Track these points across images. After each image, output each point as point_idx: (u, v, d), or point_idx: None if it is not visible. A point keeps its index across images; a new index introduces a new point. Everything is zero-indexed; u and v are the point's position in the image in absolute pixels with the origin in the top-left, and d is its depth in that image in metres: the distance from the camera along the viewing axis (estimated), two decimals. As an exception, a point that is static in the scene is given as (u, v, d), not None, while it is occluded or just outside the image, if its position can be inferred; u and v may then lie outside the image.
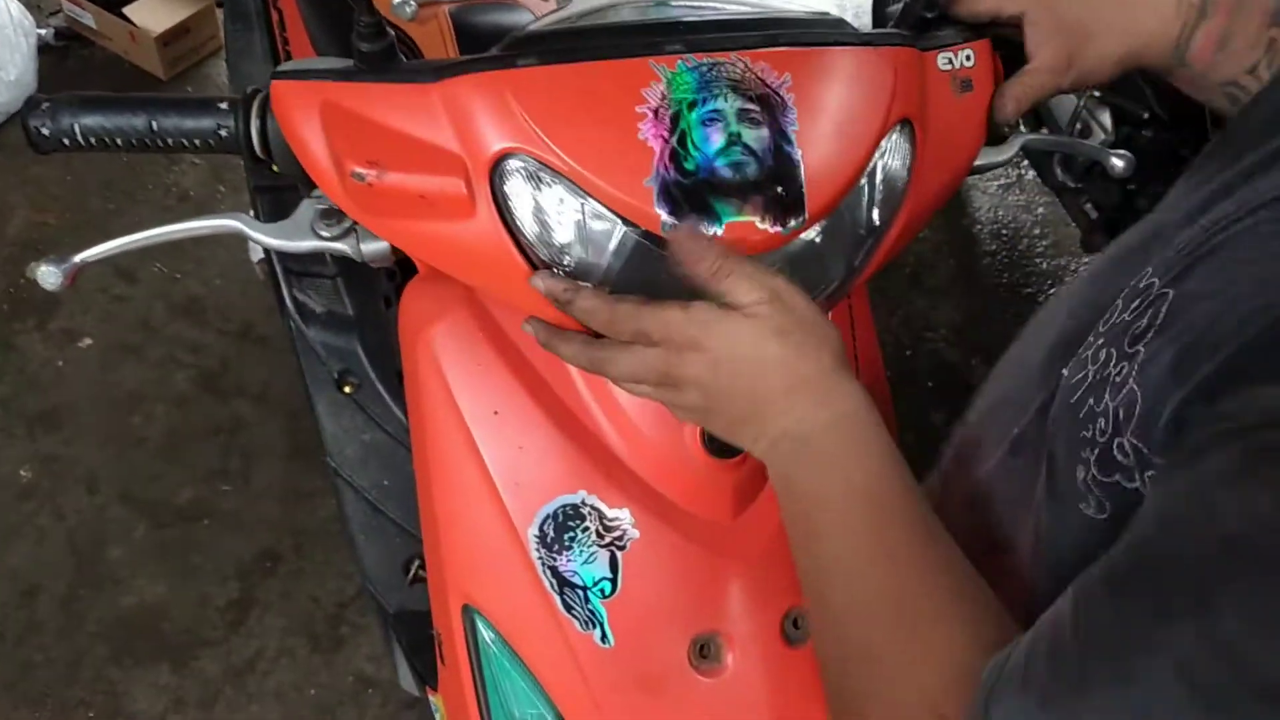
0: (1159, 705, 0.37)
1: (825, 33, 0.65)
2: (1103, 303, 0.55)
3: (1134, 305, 0.49)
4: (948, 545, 0.56)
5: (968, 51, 0.70)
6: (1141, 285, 0.50)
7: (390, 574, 1.29)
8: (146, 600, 1.69)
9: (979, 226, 2.45)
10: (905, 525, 0.56)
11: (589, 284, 0.62)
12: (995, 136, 0.73)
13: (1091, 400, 0.49)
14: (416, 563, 1.27)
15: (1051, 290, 2.31)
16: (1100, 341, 0.50)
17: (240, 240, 1.89)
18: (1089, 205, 1.98)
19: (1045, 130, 2.03)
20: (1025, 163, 2.47)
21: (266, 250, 1.49)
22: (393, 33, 0.62)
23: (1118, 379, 0.47)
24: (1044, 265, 2.36)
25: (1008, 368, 0.70)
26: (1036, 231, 2.43)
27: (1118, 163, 0.80)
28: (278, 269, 1.40)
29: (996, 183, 2.52)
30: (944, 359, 2.16)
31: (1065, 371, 0.53)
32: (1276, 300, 0.40)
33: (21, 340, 1.96)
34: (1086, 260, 2.35)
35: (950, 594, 0.54)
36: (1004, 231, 2.43)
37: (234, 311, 2.05)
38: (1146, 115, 1.72)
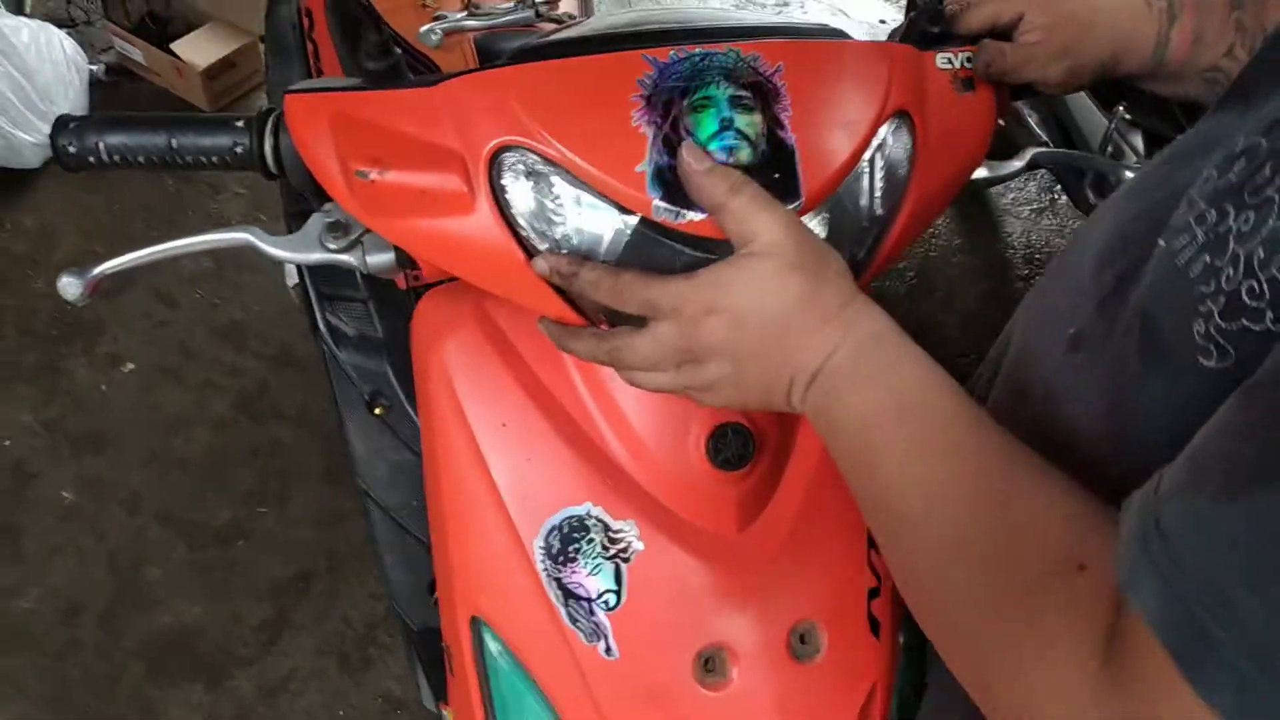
0: None
1: (819, 31, 0.66)
2: (1158, 206, 0.54)
3: (1238, 166, 0.48)
4: (1010, 437, 0.54)
5: (968, 53, 0.70)
6: (1240, 149, 0.48)
7: (416, 593, 1.30)
8: (183, 620, 1.72)
9: (1012, 251, 2.43)
10: (964, 422, 0.54)
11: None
12: (1001, 141, 0.73)
13: (1208, 257, 0.47)
14: (443, 583, 1.28)
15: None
16: (1201, 207, 0.49)
17: (277, 266, 1.94)
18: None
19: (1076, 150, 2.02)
20: (1058, 187, 2.45)
21: (300, 275, 1.53)
22: (399, 51, 0.64)
23: (1246, 229, 0.45)
24: (1082, 289, 2.33)
25: (1048, 285, 0.68)
26: (1074, 255, 2.40)
27: (1131, 176, 0.80)
28: (311, 293, 1.43)
29: (1029, 207, 2.51)
30: (979, 383, 2.14)
31: (1162, 242, 0.51)
32: None
33: (69, 364, 2.02)
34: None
35: (1034, 468, 0.52)
36: (1037, 256, 2.41)
37: (272, 336, 2.09)
38: (1178, 136, 1.70)
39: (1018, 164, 0.79)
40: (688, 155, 0.58)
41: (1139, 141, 1.80)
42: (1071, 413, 0.58)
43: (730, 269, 0.57)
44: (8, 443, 1.89)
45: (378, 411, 1.41)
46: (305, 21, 1.47)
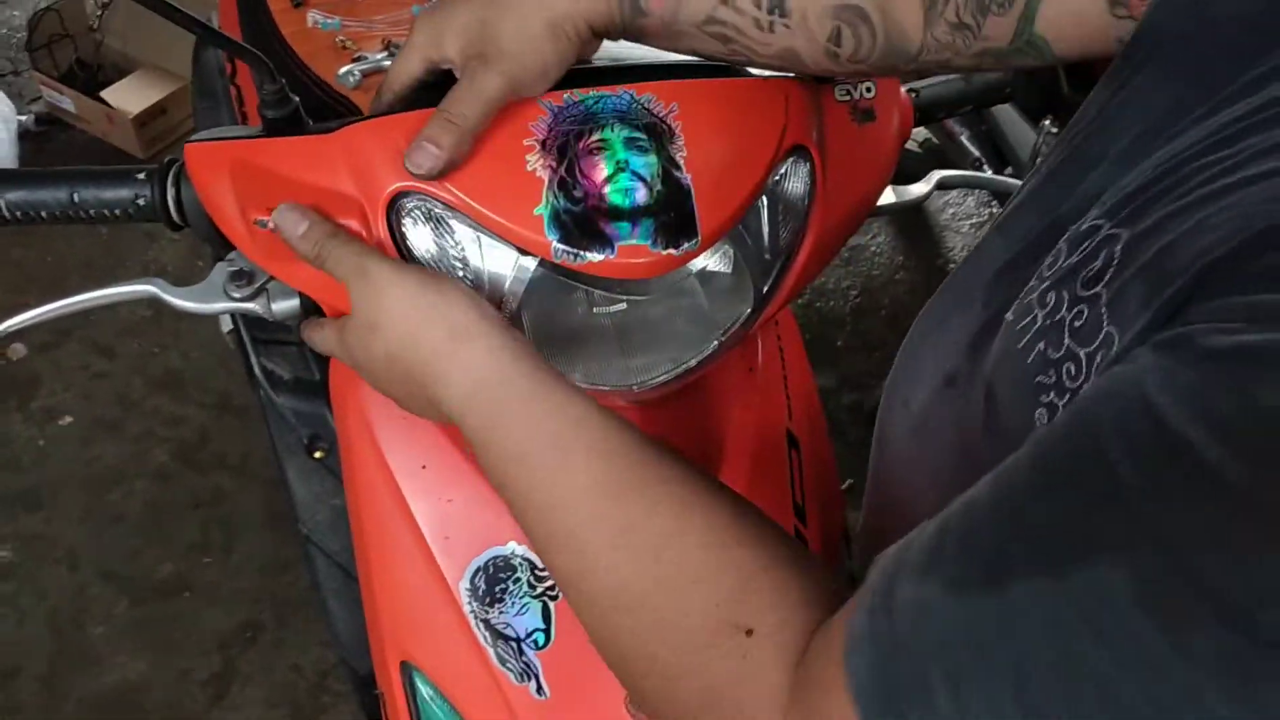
0: (1094, 604, 0.32)
1: (715, 68, 0.67)
2: (1038, 236, 0.53)
3: (1082, 248, 0.47)
4: (685, 474, 0.52)
5: (868, 84, 0.71)
6: (1085, 228, 0.48)
7: (363, 638, 1.27)
8: (128, 677, 1.68)
9: (953, 265, 2.46)
10: (609, 454, 0.52)
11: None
12: (904, 174, 0.74)
13: (1042, 345, 0.46)
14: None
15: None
16: (1045, 285, 0.48)
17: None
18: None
19: (1009, 170, 2.06)
20: (995, 200, 2.49)
21: (235, 321, 1.51)
22: (296, 100, 0.64)
23: (1078, 323, 0.44)
24: (1020, 300, 2.36)
25: (949, 291, 0.67)
26: (1011, 267, 2.43)
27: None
28: (245, 338, 1.42)
29: (969, 221, 2.55)
30: (924, 398, 2.16)
31: (1009, 316, 0.51)
32: (1245, 225, 0.36)
33: (3, 420, 1.98)
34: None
35: (711, 512, 0.50)
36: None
37: (212, 383, 2.06)
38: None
39: (924, 188, 0.80)
40: (280, 219, 0.60)
41: None
42: (936, 447, 0.58)
43: (336, 324, 0.61)
44: (-59, 504, 1.85)
45: (317, 455, 1.39)
46: (229, 66, 1.46)
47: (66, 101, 2.44)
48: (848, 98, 0.71)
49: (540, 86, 0.61)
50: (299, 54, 1.27)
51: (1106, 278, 0.43)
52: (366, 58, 1.18)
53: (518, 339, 0.57)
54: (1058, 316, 0.46)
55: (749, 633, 0.45)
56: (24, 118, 2.45)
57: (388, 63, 1.17)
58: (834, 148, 0.69)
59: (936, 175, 0.81)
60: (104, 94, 2.39)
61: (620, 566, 0.49)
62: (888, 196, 0.78)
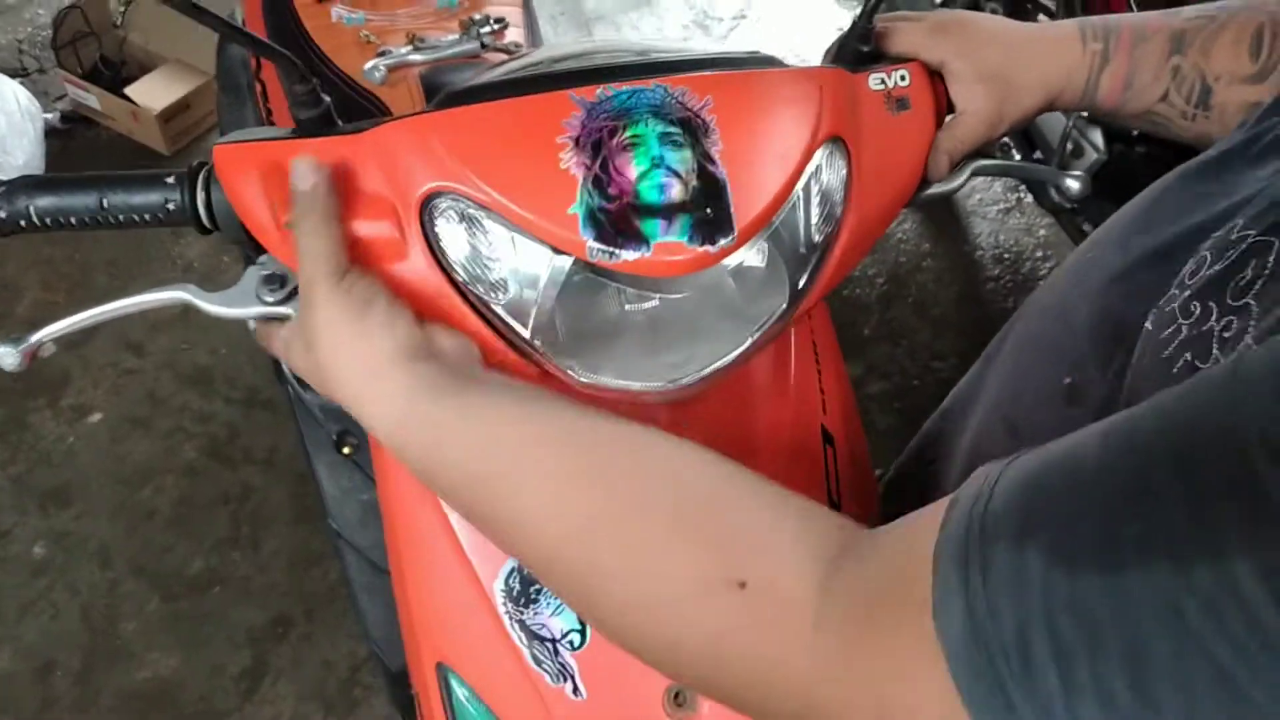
0: (1220, 597, 0.31)
1: (750, 59, 0.66)
2: (1160, 257, 0.53)
3: (1228, 256, 0.47)
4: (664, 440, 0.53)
5: (902, 71, 0.70)
6: (1233, 237, 0.48)
7: (394, 633, 1.27)
8: (161, 673, 1.69)
9: (981, 252, 2.44)
10: (582, 433, 0.54)
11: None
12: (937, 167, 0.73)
13: (1189, 355, 0.46)
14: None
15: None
16: (1187, 294, 0.48)
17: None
18: (1086, 225, 1.97)
19: (1037, 153, 2.04)
20: (1024, 186, 2.46)
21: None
22: (328, 99, 0.63)
23: (1228, 334, 0.44)
24: (1049, 287, 2.34)
25: (1038, 314, 0.69)
26: (1039, 254, 2.41)
27: (1072, 184, 0.80)
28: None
29: (996, 207, 2.52)
30: (952, 388, 2.14)
31: (1148, 325, 0.51)
32: None
33: (34, 418, 1.99)
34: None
35: (702, 474, 0.51)
36: (1006, 256, 2.42)
37: (240, 379, 2.07)
38: (1137, 131, 1.71)
39: (960, 178, 0.79)
40: (294, 166, 0.60)
41: (1098, 138, 1.81)
42: None
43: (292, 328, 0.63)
44: (-26, 501, 1.87)
45: (346, 451, 1.39)
46: (254, 61, 1.46)
47: (91, 98, 2.45)
48: (882, 87, 0.70)
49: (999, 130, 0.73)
50: (324, 49, 1.27)
51: (1256, 288, 0.43)
52: (391, 52, 1.18)
53: (439, 368, 0.57)
54: (1204, 327, 0.46)
55: (742, 585, 0.45)
56: (49, 115, 2.47)
57: (413, 56, 1.17)
58: (869, 139, 0.68)
59: (972, 164, 0.79)
60: (128, 90, 2.40)
61: (595, 557, 0.50)
62: (923, 188, 0.77)
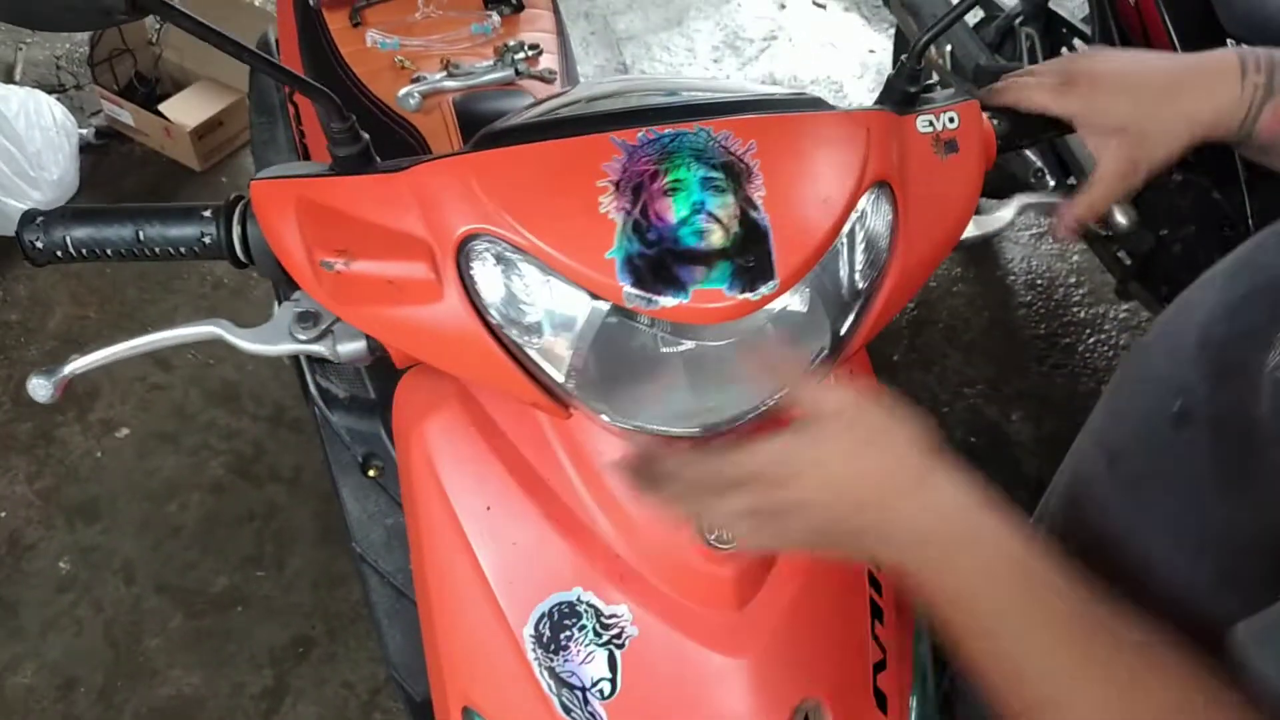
0: None
1: (794, 101, 0.64)
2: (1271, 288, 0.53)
3: None
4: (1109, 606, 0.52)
5: (950, 114, 0.68)
6: None
7: (415, 660, 1.26)
8: (183, 690, 1.68)
9: (1013, 278, 2.41)
10: (1064, 590, 0.52)
11: (663, 453, 0.61)
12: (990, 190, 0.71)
13: None
14: (443, 649, 1.25)
15: (1091, 339, 2.26)
16: None
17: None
18: (1121, 253, 1.94)
19: (1071, 180, 2.01)
20: (1056, 212, 2.43)
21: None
22: (366, 137, 0.62)
23: None
24: (1081, 314, 2.31)
25: (1139, 351, 0.68)
26: (1072, 280, 2.38)
27: (1121, 219, 0.78)
28: (301, 356, 1.42)
29: (1028, 232, 2.49)
30: (983, 414, 2.11)
31: (1272, 359, 0.51)
32: None
33: (62, 432, 2.00)
34: (1125, 307, 2.30)
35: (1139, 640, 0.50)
36: (1039, 281, 2.39)
37: (267, 396, 2.07)
38: (1174, 160, 1.69)
39: (1006, 215, 0.77)
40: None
41: None
42: (1180, 490, 0.56)
43: (805, 440, 0.56)
44: (2, 514, 1.87)
45: (372, 474, 1.38)
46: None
47: (125, 115, 2.47)
48: (930, 129, 0.68)
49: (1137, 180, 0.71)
50: (358, 74, 1.27)
51: None
52: (425, 78, 1.18)
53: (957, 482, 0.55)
54: None
55: None
56: (84, 131, 2.49)
57: (447, 83, 1.16)
58: (915, 183, 0.66)
59: (1018, 201, 0.78)
60: (162, 107, 2.42)
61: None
62: (969, 229, 0.75)
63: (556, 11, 1.44)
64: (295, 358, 1.43)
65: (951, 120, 0.69)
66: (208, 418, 2.03)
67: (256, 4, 2.82)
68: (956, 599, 0.54)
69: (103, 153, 2.54)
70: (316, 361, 1.43)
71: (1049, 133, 0.80)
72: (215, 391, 2.08)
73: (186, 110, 2.42)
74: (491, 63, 1.19)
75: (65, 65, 2.76)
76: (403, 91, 1.15)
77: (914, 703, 0.77)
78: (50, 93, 2.44)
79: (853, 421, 0.56)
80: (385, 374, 1.41)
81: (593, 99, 0.70)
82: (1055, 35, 2.09)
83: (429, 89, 1.16)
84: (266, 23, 1.59)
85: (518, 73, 1.18)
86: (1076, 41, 2.04)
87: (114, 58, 2.48)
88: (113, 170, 2.51)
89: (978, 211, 0.75)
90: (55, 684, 1.68)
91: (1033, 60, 1.97)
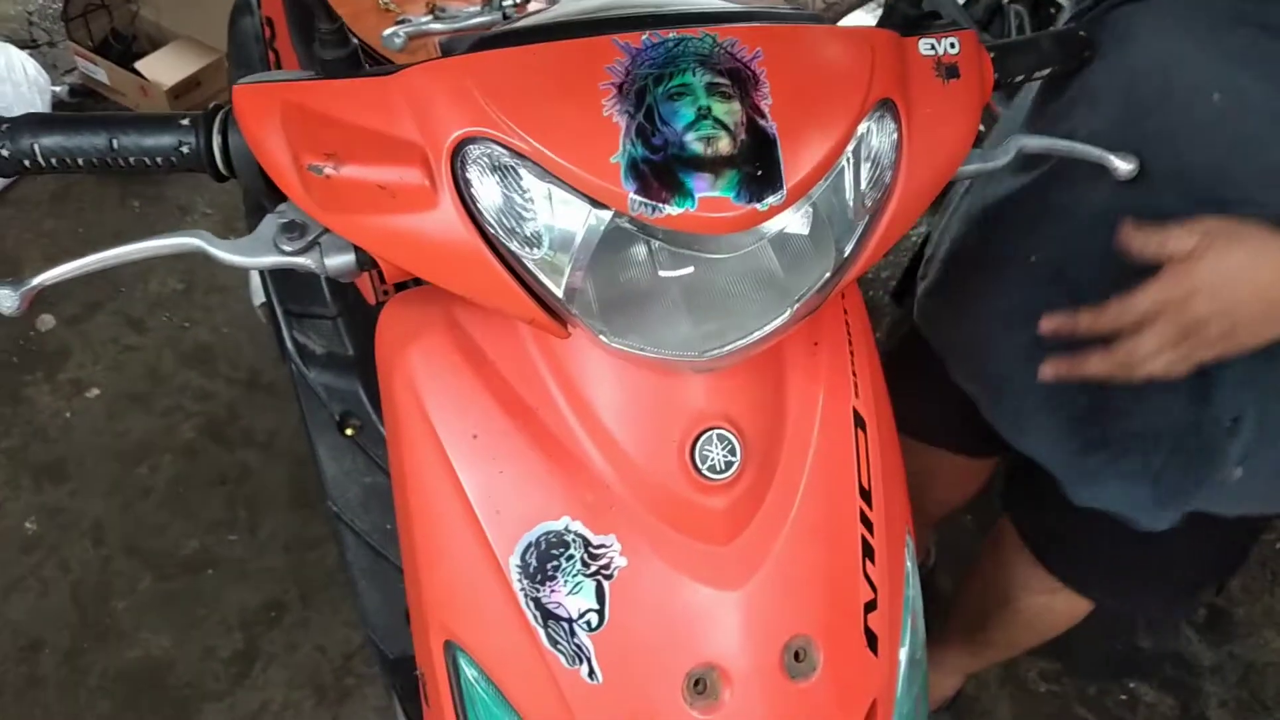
0: None
1: (798, 16, 0.62)
2: None
3: None
4: None
5: (951, 39, 0.67)
6: None
7: (392, 620, 1.25)
8: (151, 653, 1.65)
9: (995, 257, 2.41)
10: None
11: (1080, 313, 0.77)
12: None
13: None
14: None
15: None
16: None
17: (245, 286, 1.88)
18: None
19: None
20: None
21: (267, 292, 1.48)
22: (355, 41, 0.60)
23: None
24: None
25: None
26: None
27: (1121, 165, 0.77)
28: (278, 311, 1.39)
29: (1012, 213, 2.49)
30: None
31: None
32: None
33: (30, 392, 1.96)
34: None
35: None
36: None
37: (242, 359, 2.04)
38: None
39: (1004, 156, 0.76)
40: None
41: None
42: None
43: (1189, 261, 0.72)
44: (-34, 474, 1.83)
45: (349, 432, 1.36)
46: (267, 31, 1.43)
47: (100, 72, 2.42)
48: (932, 52, 0.67)
49: None
50: (341, 14, 1.24)
51: None
52: (410, 20, 1.15)
53: None
54: None
55: None
56: (58, 88, 2.44)
57: (433, 25, 1.13)
58: (919, 104, 0.65)
59: (1018, 141, 0.76)
60: (138, 65, 2.37)
61: None
62: (970, 162, 0.74)
63: (546, -41, 1.42)
64: (272, 312, 1.41)
65: (953, 46, 0.68)
66: (181, 380, 2.00)
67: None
68: None
69: (77, 110, 2.49)
70: (294, 316, 1.40)
71: (1046, 68, 0.79)
72: (189, 354, 2.04)
73: (163, 69, 2.37)
74: (479, 7, 1.16)
75: (38, 21, 2.70)
76: (387, 32, 1.12)
77: (904, 648, 0.76)
78: (22, 48, 2.39)
79: (1218, 243, 0.70)
80: (364, 329, 1.39)
81: (588, 11, 0.68)
82: (1044, 14, 2.09)
83: (414, 30, 1.13)
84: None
85: (505, 18, 1.16)
86: None
87: (89, 14, 2.43)
88: (86, 129, 2.46)
89: (977, 144, 0.74)
90: (19, 645, 1.64)
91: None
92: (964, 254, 1.08)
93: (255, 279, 1.58)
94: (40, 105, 2.28)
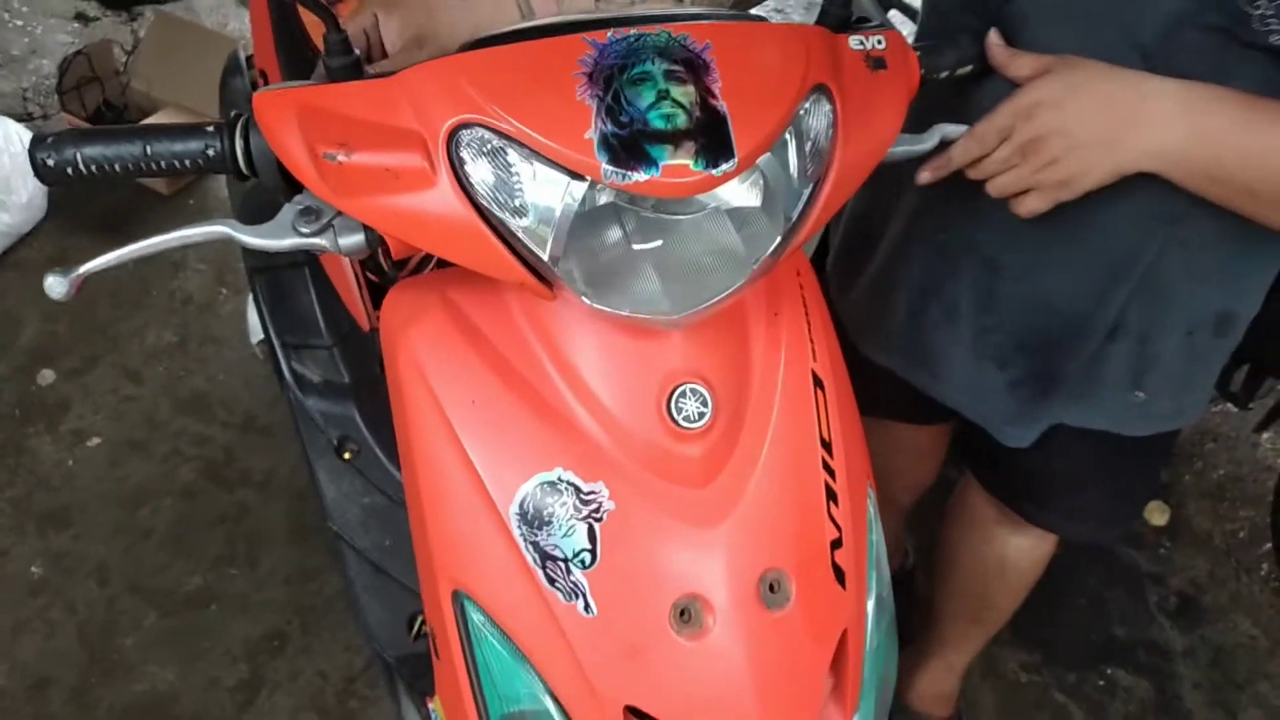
0: None
1: (742, 16, 0.72)
2: None
3: None
4: None
5: (879, 37, 0.77)
6: None
7: (394, 631, 1.31)
8: (157, 686, 1.70)
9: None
10: None
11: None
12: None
13: None
14: (420, 619, 1.29)
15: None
16: None
17: (242, 336, 1.95)
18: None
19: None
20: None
21: (264, 328, 1.55)
22: (357, 51, 0.70)
23: None
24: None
25: None
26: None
27: None
28: (276, 343, 1.46)
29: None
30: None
31: None
32: None
33: (32, 443, 2.02)
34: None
35: None
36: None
37: (237, 404, 2.11)
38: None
39: (929, 142, 0.86)
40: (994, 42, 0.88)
41: None
42: None
43: (1035, 83, 0.83)
44: (-29, 524, 1.88)
45: (347, 456, 1.43)
46: (262, 80, 1.53)
47: (93, 141, 2.51)
48: (861, 47, 0.77)
49: None
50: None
51: None
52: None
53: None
54: None
55: None
56: (52, 158, 2.52)
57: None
58: (850, 91, 0.74)
59: (939, 130, 0.86)
60: (130, 132, 2.46)
61: None
62: (898, 146, 0.83)
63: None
64: (270, 346, 1.49)
65: (880, 42, 0.78)
66: (178, 425, 2.06)
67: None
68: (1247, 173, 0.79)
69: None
70: (291, 347, 1.48)
71: (966, 67, 0.89)
72: (186, 401, 2.11)
73: (154, 134, 2.46)
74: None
75: (32, 96, 2.80)
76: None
77: (871, 587, 0.83)
78: (18, 121, 2.48)
79: (1063, 64, 0.82)
80: (360, 358, 1.47)
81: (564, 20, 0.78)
82: None
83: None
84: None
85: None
86: None
87: (82, 86, 2.53)
88: (81, 195, 2.55)
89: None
90: (26, 685, 1.68)
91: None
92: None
93: (253, 316, 1.66)
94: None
